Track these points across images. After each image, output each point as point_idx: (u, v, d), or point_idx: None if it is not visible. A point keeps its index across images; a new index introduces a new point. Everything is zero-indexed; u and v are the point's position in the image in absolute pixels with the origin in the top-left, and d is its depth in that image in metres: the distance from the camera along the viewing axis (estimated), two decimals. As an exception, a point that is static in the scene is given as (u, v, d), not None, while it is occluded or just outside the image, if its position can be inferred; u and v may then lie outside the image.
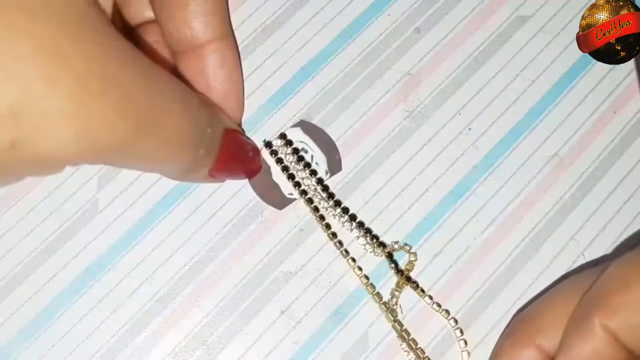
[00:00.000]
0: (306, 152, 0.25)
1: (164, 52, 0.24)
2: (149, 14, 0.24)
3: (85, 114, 0.15)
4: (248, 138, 0.25)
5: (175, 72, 0.24)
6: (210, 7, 0.22)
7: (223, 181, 0.25)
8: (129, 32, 0.24)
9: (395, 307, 0.24)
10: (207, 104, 0.21)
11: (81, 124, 0.15)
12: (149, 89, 0.17)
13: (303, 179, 0.25)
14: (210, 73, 0.23)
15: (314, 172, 0.25)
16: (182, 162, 0.19)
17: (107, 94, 0.15)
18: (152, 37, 0.24)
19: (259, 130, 0.26)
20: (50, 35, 0.14)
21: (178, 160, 0.19)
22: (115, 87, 0.16)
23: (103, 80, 0.15)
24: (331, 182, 0.25)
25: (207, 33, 0.23)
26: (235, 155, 0.23)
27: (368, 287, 0.24)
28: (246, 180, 0.25)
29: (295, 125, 0.26)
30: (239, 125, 0.25)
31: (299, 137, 0.25)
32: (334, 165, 0.25)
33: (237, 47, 0.25)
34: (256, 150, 0.25)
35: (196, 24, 0.22)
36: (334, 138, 0.26)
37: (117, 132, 0.16)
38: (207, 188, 0.25)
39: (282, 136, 0.25)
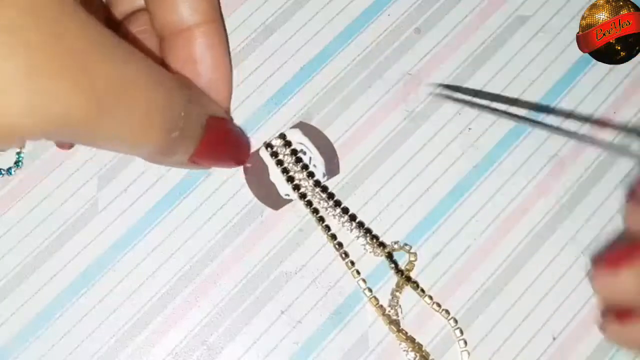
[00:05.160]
0: (304, 153, 0.25)
1: (153, 40, 0.24)
2: (139, 2, 0.24)
3: (40, 88, 0.15)
4: (236, 126, 0.25)
5: (163, 62, 0.23)
6: None
7: (208, 168, 0.24)
8: (118, 25, 0.24)
9: (396, 307, 0.24)
10: (185, 87, 0.20)
11: (35, 98, 0.14)
12: (114, 66, 0.17)
13: (301, 180, 0.25)
14: (197, 57, 0.23)
15: (311, 174, 0.25)
16: (151, 144, 0.19)
17: (65, 69, 0.15)
18: (141, 26, 0.24)
19: (259, 130, 0.26)
20: (5, 10, 0.14)
21: (146, 142, 0.19)
22: (75, 63, 0.15)
23: (61, 55, 0.15)
24: (331, 183, 0.25)
25: (194, 16, 0.22)
26: (219, 143, 0.23)
27: (365, 291, 0.24)
28: (245, 181, 0.25)
29: (294, 127, 0.26)
30: (227, 111, 0.25)
31: (297, 139, 0.25)
32: (332, 168, 0.25)
33: (225, 31, 0.25)
34: (243, 139, 0.24)
35: (183, 8, 0.22)
36: (333, 138, 0.26)
37: (75, 108, 0.15)
38: (206, 188, 0.25)
39: (282, 136, 0.25)
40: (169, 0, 0.22)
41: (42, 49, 0.15)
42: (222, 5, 0.25)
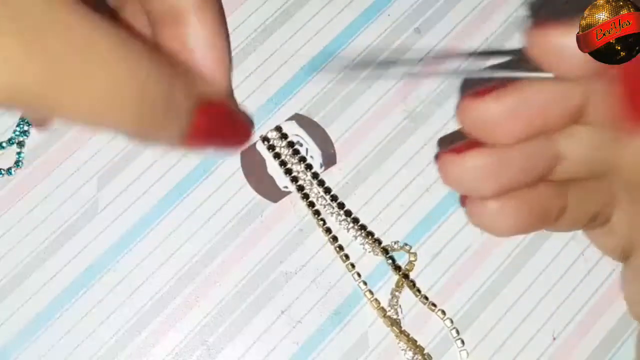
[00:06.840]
0: (301, 145, 0.25)
1: (147, 27, 0.23)
2: None
3: None
4: (237, 107, 0.24)
5: (156, 45, 0.23)
6: None
7: (203, 151, 0.24)
8: (110, 12, 0.24)
9: (396, 306, 0.24)
10: (169, 67, 0.19)
11: None
12: (73, 32, 0.16)
13: (299, 172, 0.25)
14: (191, 42, 0.22)
15: (309, 167, 0.25)
16: (120, 122, 0.18)
17: (18, 33, 0.14)
18: (134, 6, 0.23)
19: (259, 130, 0.26)
20: None
21: (112, 119, 0.17)
22: (30, 29, 0.15)
23: (14, 19, 0.14)
24: (331, 183, 0.25)
25: (187, 0, 0.22)
26: (213, 127, 0.22)
27: (366, 293, 0.24)
28: (246, 181, 0.25)
29: (289, 119, 0.26)
30: (229, 92, 0.24)
31: (294, 131, 0.25)
32: (329, 159, 0.25)
33: (222, 13, 0.24)
34: (243, 120, 0.24)
35: None
36: (334, 138, 0.26)
37: (26, 76, 0.15)
38: (206, 188, 0.25)
39: (278, 129, 0.25)
40: None
41: None
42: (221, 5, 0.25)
